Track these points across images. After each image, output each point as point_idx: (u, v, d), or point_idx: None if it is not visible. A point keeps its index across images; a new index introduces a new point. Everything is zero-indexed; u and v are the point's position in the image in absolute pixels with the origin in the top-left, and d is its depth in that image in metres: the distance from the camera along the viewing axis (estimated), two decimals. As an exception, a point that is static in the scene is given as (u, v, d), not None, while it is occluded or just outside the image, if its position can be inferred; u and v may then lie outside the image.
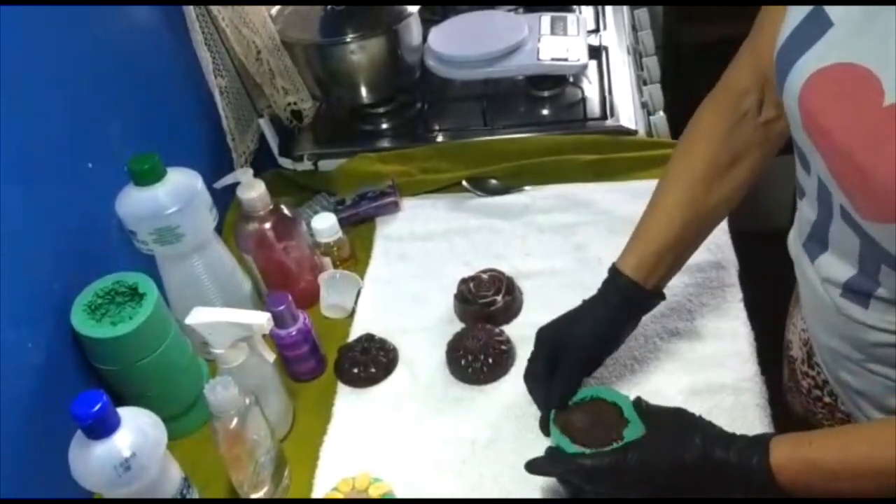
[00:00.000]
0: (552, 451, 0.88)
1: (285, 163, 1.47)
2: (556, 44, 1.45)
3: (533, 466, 0.88)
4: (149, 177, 1.00)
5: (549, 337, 0.97)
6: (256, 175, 1.15)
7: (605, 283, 0.97)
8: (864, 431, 0.79)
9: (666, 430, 0.83)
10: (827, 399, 1.02)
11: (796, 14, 0.75)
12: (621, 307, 0.95)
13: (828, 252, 0.83)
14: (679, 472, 0.79)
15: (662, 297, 0.98)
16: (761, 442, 0.77)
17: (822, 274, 0.85)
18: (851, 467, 0.74)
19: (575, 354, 0.94)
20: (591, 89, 1.49)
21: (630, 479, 0.81)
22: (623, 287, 0.95)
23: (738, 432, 0.95)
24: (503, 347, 1.08)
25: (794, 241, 0.92)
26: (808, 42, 0.73)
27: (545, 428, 0.94)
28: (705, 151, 0.93)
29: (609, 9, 1.69)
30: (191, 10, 1.26)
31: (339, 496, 0.94)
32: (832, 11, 0.71)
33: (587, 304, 0.97)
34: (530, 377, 0.98)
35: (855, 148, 0.69)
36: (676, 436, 0.81)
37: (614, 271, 0.96)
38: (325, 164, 1.45)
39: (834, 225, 0.80)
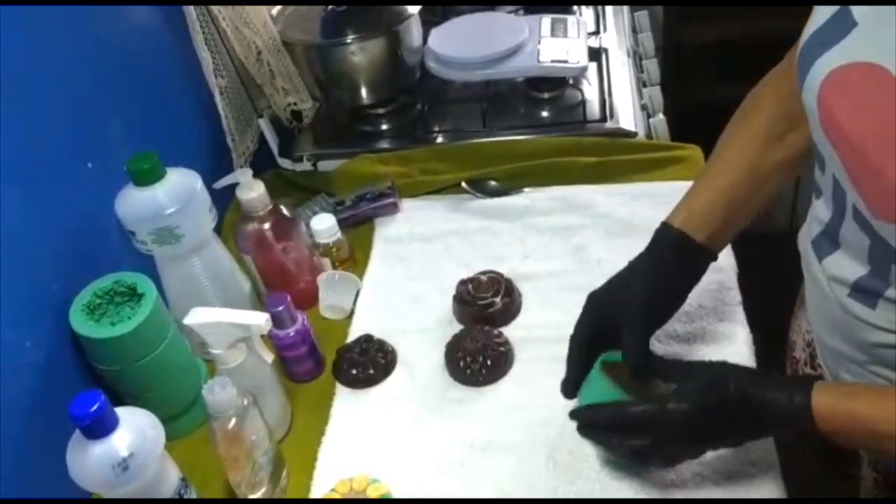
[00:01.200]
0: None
1: (285, 163, 1.47)
2: (557, 46, 1.46)
3: (576, 415, 0.87)
4: (148, 177, 1.00)
5: (596, 303, 0.94)
6: (256, 175, 1.15)
7: (652, 239, 0.94)
8: None
9: (699, 377, 0.82)
10: None
11: (823, 13, 0.75)
12: (670, 258, 0.92)
13: (839, 251, 0.83)
14: (717, 414, 0.79)
15: (714, 256, 0.94)
16: (804, 382, 0.77)
17: (830, 273, 0.85)
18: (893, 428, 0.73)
19: (625, 317, 0.91)
20: (590, 91, 1.49)
21: (670, 428, 0.81)
22: (671, 238, 0.92)
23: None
24: (502, 349, 1.08)
25: (804, 239, 0.92)
26: (831, 40, 0.73)
27: (569, 389, 0.93)
28: (765, 111, 0.92)
29: (609, 11, 1.69)
30: (191, 10, 1.26)
31: (337, 497, 0.94)
32: (857, 12, 0.71)
33: (632, 262, 0.94)
34: (573, 340, 0.95)
35: (868, 146, 0.69)
36: (710, 381, 0.81)
37: (662, 226, 0.94)
38: (325, 165, 1.45)
39: (846, 224, 0.80)
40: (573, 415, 0.88)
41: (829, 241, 0.85)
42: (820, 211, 0.86)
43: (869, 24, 0.70)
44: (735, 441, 0.84)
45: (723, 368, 0.84)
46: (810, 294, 0.94)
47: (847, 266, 0.82)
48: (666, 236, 0.93)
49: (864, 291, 0.81)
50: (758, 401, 0.78)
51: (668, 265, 0.92)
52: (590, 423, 0.89)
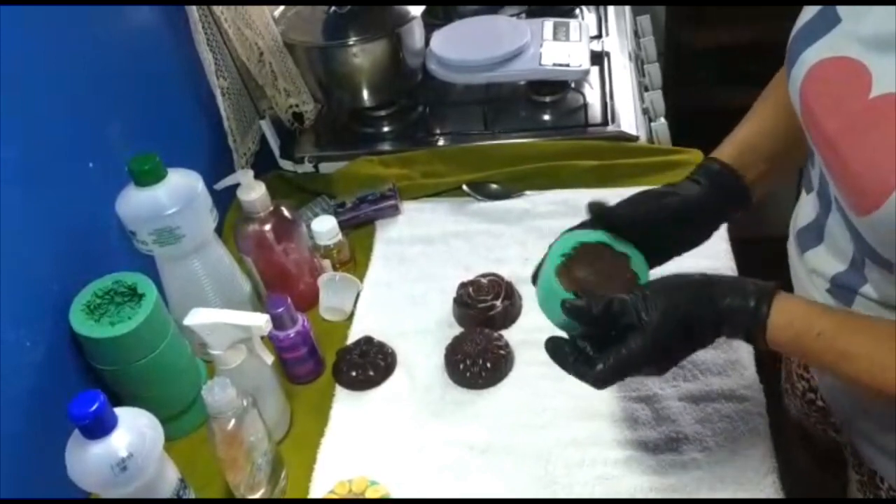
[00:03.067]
0: (560, 348, 0.83)
1: (286, 165, 1.47)
2: (559, 49, 1.46)
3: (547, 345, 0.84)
4: (149, 177, 1.00)
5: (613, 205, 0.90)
6: (257, 177, 1.15)
7: (695, 170, 0.92)
8: (872, 326, 0.76)
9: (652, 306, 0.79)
10: (820, 403, 1.02)
11: (812, 8, 0.76)
12: (710, 189, 0.89)
13: (822, 246, 0.84)
14: (671, 343, 0.79)
15: (750, 202, 0.92)
16: (766, 293, 0.77)
17: (810, 266, 0.86)
18: (846, 358, 0.74)
19: (640, 207, 0.88)
20: (592, 95, 1.49)
21: (628, 368, 0.80)
22: (715, 171, 0.90)
23: (737, 439, 0.96)
24: (501, 352, 1.08)
25: (790, 235, 0.92)
26: (815, 35, 0.74)
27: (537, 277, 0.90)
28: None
29: (611, 15, 1.69)
30: (193, 11, 1.26)
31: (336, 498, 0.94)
32: (841, 7, 0.72)
33: (670, 186, 0.91)
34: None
35: (840, 139, 0.70)
36: (662, 311, 0.78)
37: (707, 160, 0.92)
38: (326, 167, 1.45)
39: (831, 218, 0.81)
40: (546, 343, 0.84)
41: (814, 234, 0.85)
42: (808, 205, 0.87)
43: (850, 21, 0.71)
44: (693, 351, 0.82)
45: (674, 297, 0.80)
46: (796, 290, 0.94)
47: (827, 261, 0.83)
48: (708, 169, 0.91)
49: (842, 287, 0.81)
50: (713, 315, 0.78)
51: (703, 193, 0.90)
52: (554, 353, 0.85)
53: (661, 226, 0.88)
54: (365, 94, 1.47)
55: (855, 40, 0.70)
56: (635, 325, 0.78)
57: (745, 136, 0.93)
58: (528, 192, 1.36)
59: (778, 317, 0.76)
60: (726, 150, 0.92)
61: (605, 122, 1.43)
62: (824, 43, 0.73)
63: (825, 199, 0.81)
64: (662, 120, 1.49)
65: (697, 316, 0.78)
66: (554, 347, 0.84)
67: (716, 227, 0.93)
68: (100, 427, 0.80)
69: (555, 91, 1.50)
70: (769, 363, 1.09)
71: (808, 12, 0.77)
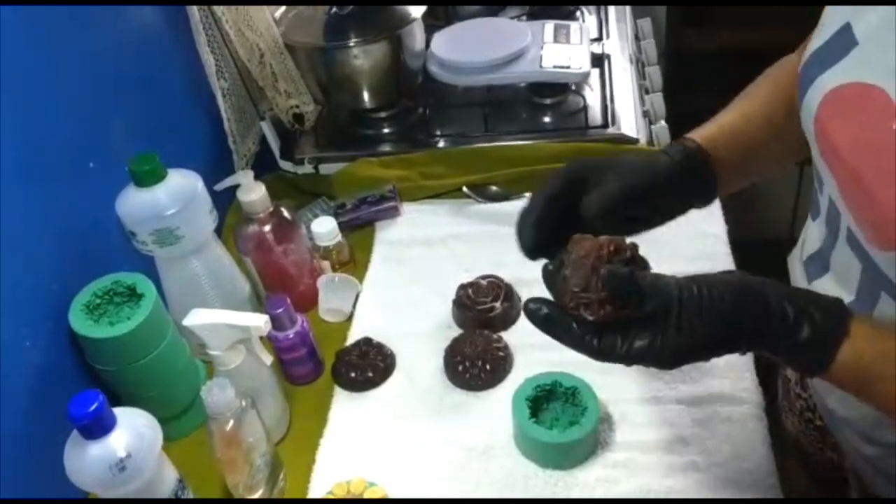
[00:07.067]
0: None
1: (286, 166, 1.47)
2: (559, 52, 1.46)
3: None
4: (149, 178, 1.00)
5: (578, 162, 0.85)
6: (257, 177, 1.15)
7: (668, 146, 0.86)
8: None
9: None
10: (818, 422, 1.01)
11: (825, 31, 0.73)
12: (672, 164, 0.83)
13: (828, 275, 0.82)
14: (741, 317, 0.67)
15: (714, 187, 0.85)
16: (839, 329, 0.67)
17: None
18: None
19: (610, 178, 0.81)
20: (592, 97, 1.49)
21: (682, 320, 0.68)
22: (679, 144, 0.84)
23: (736, 441, 0.96)
24: (501, 354, 1.08)
25: (794, 259, 0.91)
26: (831, 60, 0.71)
27: (522, 240, 0.87)
28: (795, 60, 0.84)
29: (612, 17, 1.69)
30: (194, 12, 1.26)
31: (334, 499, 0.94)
32: (859, 30, 0.69)
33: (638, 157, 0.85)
34: (539, 192, 0.86)
35: (863, 170, 0.67)
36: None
37: (682, 139, 0.87)
38: (326, 168, 1.45)
39: (838, 248, 0.79)
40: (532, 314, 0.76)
41: (819, 264, 0.83)
42: (814, 232, 0.85)
43: (870, 45, 0.68)
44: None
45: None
46: None
47: (834, 291, 0.80)
48: (675, 143, 0.86)
49: None
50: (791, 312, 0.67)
51: (666, 166, 0.84)
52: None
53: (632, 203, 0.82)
54: (365, 95, 1.47)
55: (874, 65, 0.66)
56: (664, 321, 0.67)
57: (728, 120, 0.88)
58: (528, 194, 1.35)
59: (844, 354, 0.66)
60: (703, 132, 0.87)
61: (605, 125, 1.42)
62: (841, 68, 0.69)
63: (833, 228, 0.79)
64: (663, 123, 1.49)
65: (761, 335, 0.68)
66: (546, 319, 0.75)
67: (673, 211, 0.86)
68: (98, 427, 0.79)
69: (555, 93, 1.50)
70: (771, 366, 1.09)
71: (821, 37, 0.73)
